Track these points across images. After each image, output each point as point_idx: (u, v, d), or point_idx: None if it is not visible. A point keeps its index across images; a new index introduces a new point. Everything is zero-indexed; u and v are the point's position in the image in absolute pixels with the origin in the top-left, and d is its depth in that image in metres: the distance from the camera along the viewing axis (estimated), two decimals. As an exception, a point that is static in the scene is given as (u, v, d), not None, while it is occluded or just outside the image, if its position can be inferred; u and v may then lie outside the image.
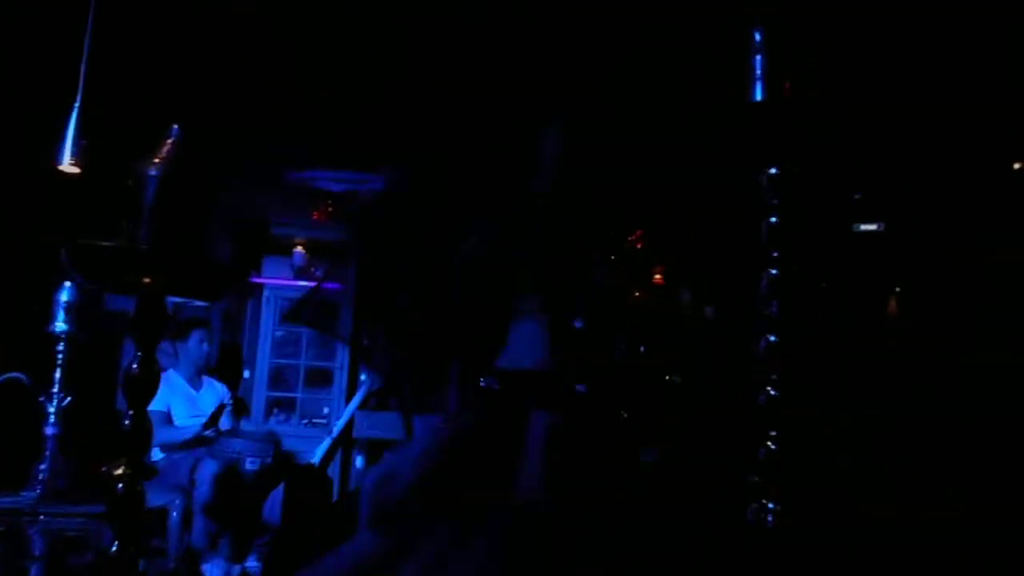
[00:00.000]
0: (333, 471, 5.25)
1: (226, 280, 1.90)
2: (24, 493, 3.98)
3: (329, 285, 6.07)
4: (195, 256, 1.76)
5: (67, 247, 1.69)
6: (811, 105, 1.94)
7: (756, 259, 2.06)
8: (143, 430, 1.71)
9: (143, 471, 1.70)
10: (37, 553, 3.48)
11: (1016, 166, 4.03)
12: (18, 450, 4.03)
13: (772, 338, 2.01)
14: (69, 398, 4.21)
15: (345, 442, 5.12)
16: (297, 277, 5.69)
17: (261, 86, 4.46)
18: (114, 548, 1.65)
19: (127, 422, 1.70)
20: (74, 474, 4.10)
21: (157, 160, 1.76)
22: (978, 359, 3.98)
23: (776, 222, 2.00)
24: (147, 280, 1.72)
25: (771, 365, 2.01)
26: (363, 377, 5.31)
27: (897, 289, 5.26)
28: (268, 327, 5.58)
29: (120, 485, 1.66)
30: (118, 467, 1.67)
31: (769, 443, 2.01)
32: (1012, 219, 4.07)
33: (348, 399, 5.32)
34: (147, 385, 1.73)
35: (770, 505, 2.01)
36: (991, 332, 4.02)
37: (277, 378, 5.61)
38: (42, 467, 4.04)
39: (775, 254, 2.02)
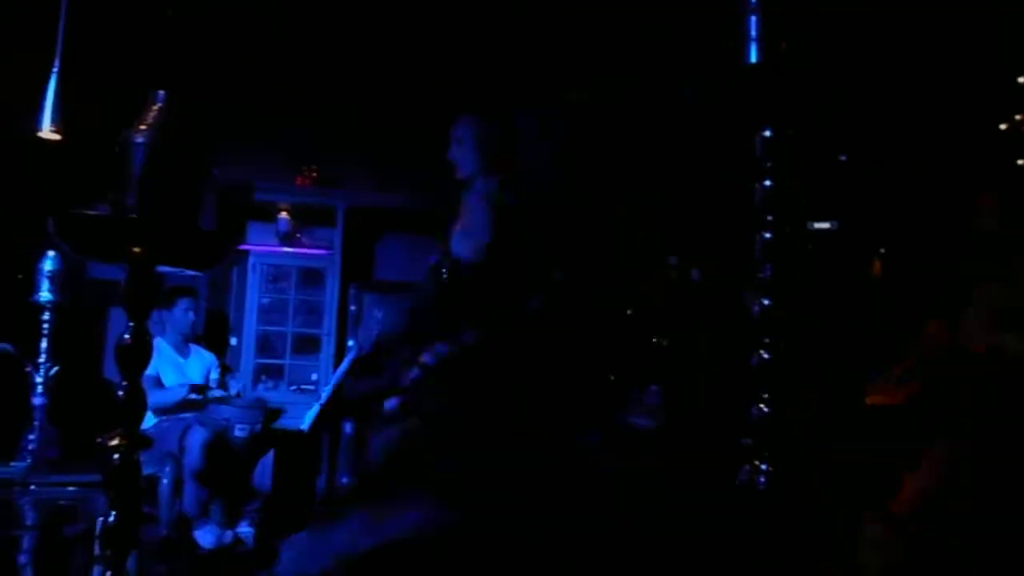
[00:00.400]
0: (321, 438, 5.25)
1: (219, 249, 1.86)
2: (14, 464, 3.97)
3: (315, 251, 6.02)
4: (186, 224, 1.73)
5: (55, 217, 1.65)
6: (806, 66, 1.93)
7: (749, 222, 2.06)
8: (138, 400, 1.70)
9: (139, 441, 1.69)
10: (29, 523, 3.47)
11: (1003, 127, 4.04)
12: (7, 421, 4.01)
13: (765, 302, 2.02)
14: (56, 368, 4.19)
15: (334, 408, 5.10)
16: (282, 243, 5.65)
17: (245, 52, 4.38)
18: (111, 518, 1.64)
19: (121, 392, 1.69)
20: (64, 444, 4.09)
21: (145, 126, 1.73)
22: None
23: (770, 185, 2.00)
24: (137, 250, 1.69)
25: (764, 328, 2.01)
26: (350, 343, 5.30)
27: (882, 250, 5.30)
28: (254, 294, 5.55)
29: (116, 455, 1.65)
30: (114, 437, 1.66)
31: (762, 405, 2.02)
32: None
33: (336, 365, 5.31)
34: (140, 355, 1.72)
35: (763, 467, 2.02)
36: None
37: (265, 345, 5.58)
38: (31, 437, 4.03)
39: (769, 217, 2.01)
